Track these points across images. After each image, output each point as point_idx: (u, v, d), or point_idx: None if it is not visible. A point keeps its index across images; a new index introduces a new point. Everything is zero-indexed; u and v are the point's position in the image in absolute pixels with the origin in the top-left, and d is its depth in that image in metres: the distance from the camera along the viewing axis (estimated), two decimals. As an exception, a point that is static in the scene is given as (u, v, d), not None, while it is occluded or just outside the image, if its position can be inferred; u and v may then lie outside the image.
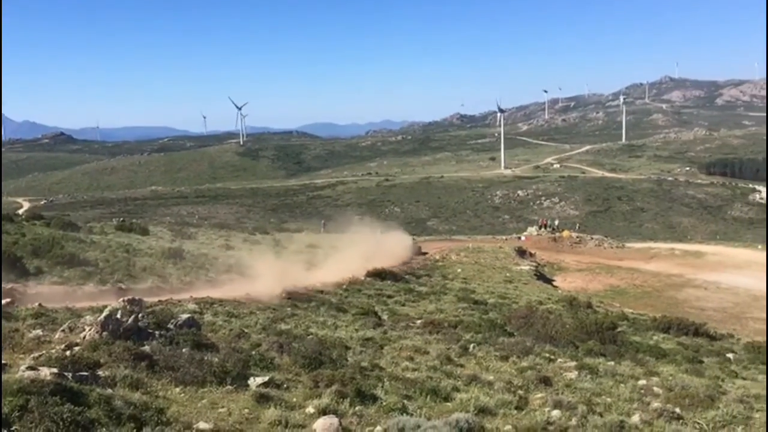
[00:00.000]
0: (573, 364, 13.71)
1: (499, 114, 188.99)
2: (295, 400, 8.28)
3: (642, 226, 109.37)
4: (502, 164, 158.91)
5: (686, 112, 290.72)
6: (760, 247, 69.84)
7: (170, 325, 10.86)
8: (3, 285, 16.86)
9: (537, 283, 45.12)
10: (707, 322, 28.17)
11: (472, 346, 15.04)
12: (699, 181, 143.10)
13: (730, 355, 20.02)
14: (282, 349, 10.98)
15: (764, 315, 41.01)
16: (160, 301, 17.48)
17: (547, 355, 14.68)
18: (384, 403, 8.60)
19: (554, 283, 49.23)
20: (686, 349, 19.76)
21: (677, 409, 10.37)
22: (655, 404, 10.66)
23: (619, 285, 50.27)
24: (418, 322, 19.36)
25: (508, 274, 44.67)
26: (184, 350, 9.26)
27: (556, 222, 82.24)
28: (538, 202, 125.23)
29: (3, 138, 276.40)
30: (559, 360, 14.27)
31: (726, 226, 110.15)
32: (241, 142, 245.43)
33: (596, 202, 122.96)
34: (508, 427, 8.38)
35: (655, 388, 12.14)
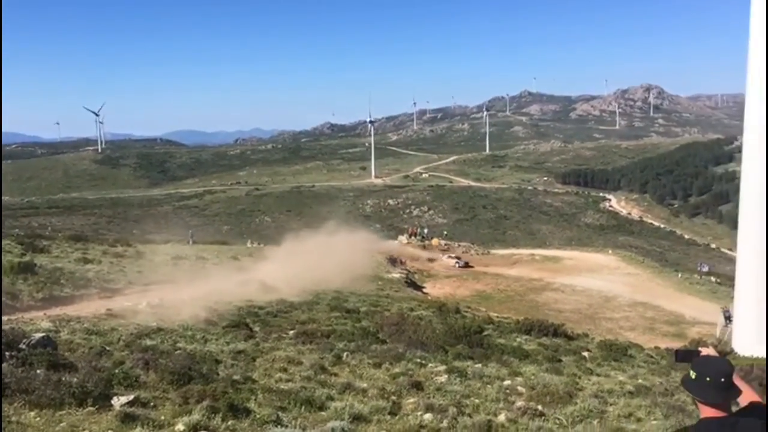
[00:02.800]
0: (443, 368, 14.09)
1: (369, 124, 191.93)
2: (163, 417, 7.93)
3: (505, 233, 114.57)
4: (373, 174, 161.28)
5: (543, 124, 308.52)
6: (610, 251, 75.15)
7: (22, 345, 10.08)
8: None
9: (408, 290, 46.08)
10: (565, 323, 29.88)
11: (345, 354, 15.08)
12: (556, 190, 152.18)
13: (585, 354, 21.36)
14: (148, 365, 10.48)
15: (615, 315, 44.26)
16: (9, 320, 16.19)
17: (419, 360, 14.99)
18: (258, 416, 8.44)
19: (424, 290, 50.51)
20: (546, 349, 20.84)
21: (539, 407, 10.92)
22: (519, 403, 11.16)
23: (485, 290, 52.40)
24: (291, 332, 19.17)
25: (380, 282, 45.28)
26: (38, 371, 8.62)
27: (425, 230, 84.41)
28: (407, 210, 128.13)
29: None
30: (430, 365, 14.62)
31: (580, 232, 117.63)
32: (100, 150, 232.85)
33: (463, 211, 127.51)
34: (383, 432, 8.49)
35: (519, 388, 12.71)
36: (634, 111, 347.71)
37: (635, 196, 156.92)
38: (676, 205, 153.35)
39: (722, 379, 3.31)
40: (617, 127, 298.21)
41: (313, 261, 41.75)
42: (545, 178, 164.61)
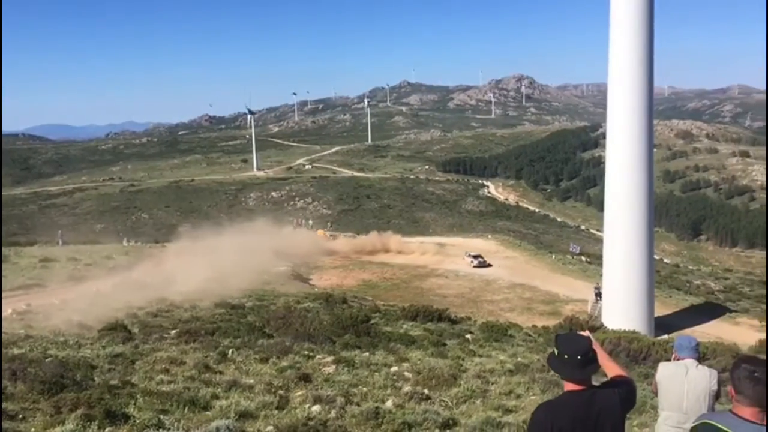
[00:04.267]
0: (331, 358, 14.08)
1: (249, 115, 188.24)
2: (33, 430, 7.43)
3: (390, 222, 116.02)
4: (255, 166, 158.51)
5: (423, 114, 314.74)
6: (489, 236, 77.83)
7: None
8: None
9: (294, 283, 45.77)
10: (449, 308, 30.73)
11: (231, 351, 14.75)
12: (437, 178, 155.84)
13: (468, 336, 22.05)
14: (15, 376, 9.79)
15: (496, 297, 45.99)
16: None
17: (306, 352, 14.91)
18: (137, 421, 8.08)
19: (311, 282, 50.33)
20: (432, 334, 21.33)
21: (426, 390, 11.15)
22: (407, 388, 11.35)
23: (371, 279, 52.91)
24: (173, 332, 18.53)
25: (266, 276, 44.66)
26: None
27: (311, 222, 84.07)
28: (292, 202, 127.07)
29: None
30: (318, 356, 14.57)
31: (461, 219, 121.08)
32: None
33: (347, 201, 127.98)
34: (270, 428, 8.36)
35: (406, 373, 12.91)
36: (508, 100, 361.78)
37: (511, 182, 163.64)
38: (548, 190, 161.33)
39: (579, 357, 3.61)
40: (493, 116, 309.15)
41: (218, 259, 40.86)
42: (426, 167, 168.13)
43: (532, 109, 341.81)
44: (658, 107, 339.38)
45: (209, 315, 23.81)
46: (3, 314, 19.94)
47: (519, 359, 16.58)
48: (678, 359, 5.51)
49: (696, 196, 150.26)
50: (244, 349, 15.17)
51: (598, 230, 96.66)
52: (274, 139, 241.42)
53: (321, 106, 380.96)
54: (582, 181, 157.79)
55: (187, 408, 9.07)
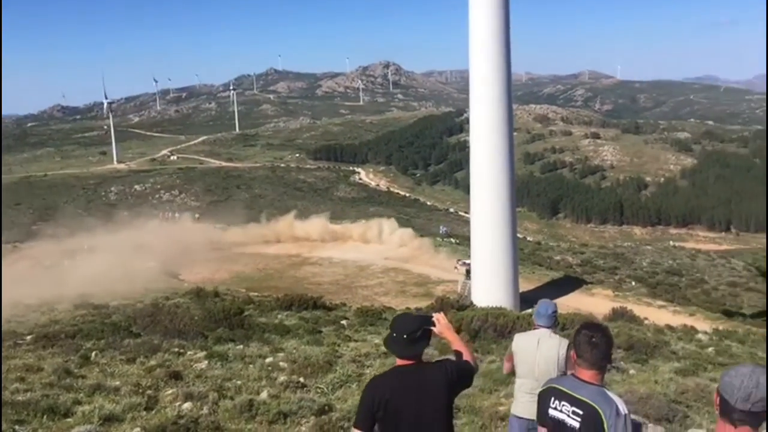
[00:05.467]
0: (203, 354, 13.70)
1: (106, 105, 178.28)
2: None
3: (261, 212, 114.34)
4: (115, 159, 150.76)
5: (292, 102, 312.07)
6: (363, 221, 78.43)
7: None
8: None
9: (163, 279, 44.12)
10: (324, 295, 30.80)
11: (94, 353, 13.98)
12: (308, 166, 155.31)
13: (344, 322, 22.21)
14: None
15: (370, 282, 46.60)
16: None
17: (177, 349, 14.41)
18: (-12, 436, 7.48)
19: (180, 277, 48.68)
20: (307, 322, 21.29)
21: (301, 379, 11.11)
22: (282, 378, 11.25)
23: (244, 271, 51.96)
24: (29, 337, 17.31)
25: (133, 274, 42.71)
26: None
27: (177, 215, 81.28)
28: (157, 195, 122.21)
29: None
30: (189, 352, 14.13)
31: (334, 206, 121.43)
32: None
33: (216, 192, 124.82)
34: (137, 429, 8.01)
35: (282, 363, 12.80)
36: (376, 87, 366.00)
37: (382, 168, 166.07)
38: (418, 175, 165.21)
39: (405, 336, 3.88)
40: (361, 102, 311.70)
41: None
42: (297, 155, 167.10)
43: (400, 96, 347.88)
44: (516, 93, 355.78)
45: (69, 317, 22.45)
46: None
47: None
48: (535, 327, 5.81)
49: (554, 176, 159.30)
50: (109, 350, 14.43)
51: (466, 212, 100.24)
52: (136, 130, 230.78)
53: (184, 94, 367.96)
54: (449, 165, 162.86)
55: (45, 416, 8.51)
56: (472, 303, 32.75)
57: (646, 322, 25.86)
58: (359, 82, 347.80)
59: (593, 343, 3.74)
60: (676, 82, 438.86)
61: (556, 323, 5.88)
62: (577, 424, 3.61)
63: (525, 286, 42.63)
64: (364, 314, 23.60)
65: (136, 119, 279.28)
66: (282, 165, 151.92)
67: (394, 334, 3.94)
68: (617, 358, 14.58)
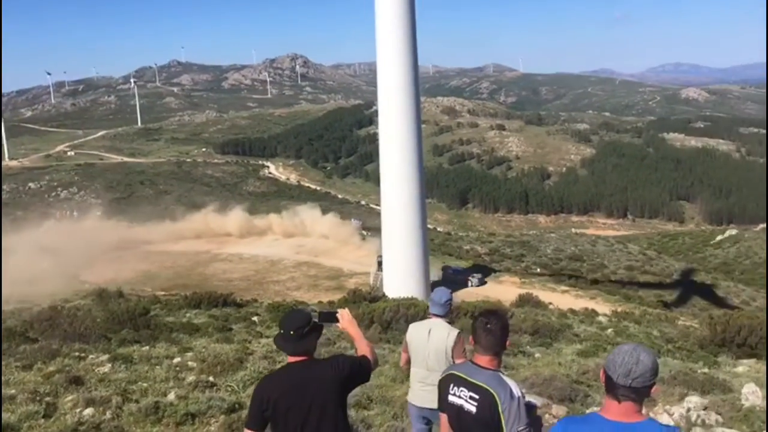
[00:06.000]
0: (106, 357, 13.14)
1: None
2: None
3: (167, 209, 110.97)
4: (6, 155, 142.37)
5: (197, 95, 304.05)
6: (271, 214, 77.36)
7: None
8: None
9: (62, 280, 42.13)
10: (234, 292, 30.20)
11: (-14, 362, 13.15)
12: (215, 161, 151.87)
13: (255, 318, 21.87)
14: None
15: (282, 277, 46.16)
16: None
17: (77, 353, 13.75)
18: None
19: (81, 278, 46.62)
20: (217, 320, 20.83)
21: (211, 378, 10.85)
22: (190, 378, 10.95)
23: (151, 269, 50.33)
24: None
25: (28, 276, 40.51)
26: None
27: (75, 213, 77.80)
28: (54, 193, 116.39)
29: None
30: (91, 356, 13.52)
31: (243, 201, 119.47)
32: None
33: (119, 189, 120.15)
34: (34, 440, 7.60)
35: (190, 363, 12.46)
36: (284, 80, 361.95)
37: (292, 162, 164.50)
38: (328, 168, 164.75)
39: (291, 332, 3.88)
40: (269, 95, 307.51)
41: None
42: (204, 150, 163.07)
43: (308, 89, 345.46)
44: (424, 85, 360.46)
45: (-42, 325, 21.04)
46: None
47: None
48: (430, 316, 5.87)
49: (462, 167, 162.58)
50: (3, 357, 13.62)
51: (377, 205, 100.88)
52: (28, 125, 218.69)
53: (81, 87, 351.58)
54: (360, 157, 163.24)
55: (-69, 433, 7.94)
56: (384, 294, 33.00)
57: (550, 307, 26.84)
58: (266, 74, 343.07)
59: (488, 329, 3.86)
60: (575, 75, 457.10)
61: (450, 312, 5.93)
62: (474, 409, 3.73)
63: (435, 276, 43.36)
64: (276, 309, 23.31)
65: (29, 114, 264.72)
66: (188, 160, 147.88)
67: (282, 331, 3.93)
68: (523, 343, 15.06)
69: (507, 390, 3.67)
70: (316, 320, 4.11)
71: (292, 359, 3.94)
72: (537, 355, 13.58)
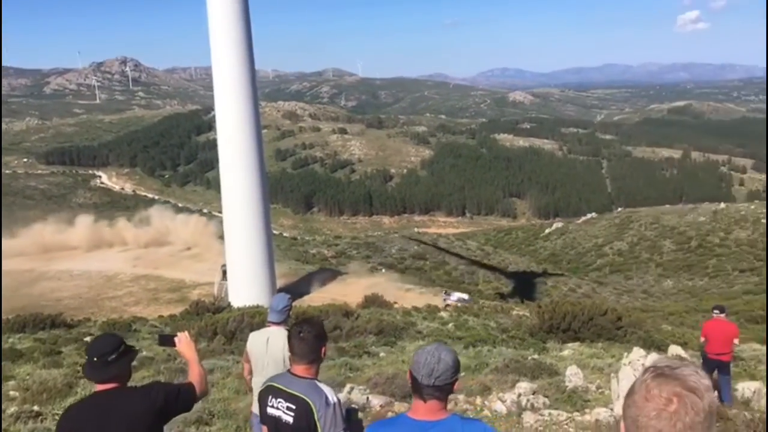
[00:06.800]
0: None
1: None
2: None
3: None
4: None
5: (15, 101, 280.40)
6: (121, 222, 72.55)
7: None
8: None
9: None
10: (64, 312, 28.12)
11: None
12: (39, 171, 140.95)
13: (88, 339, 20.46)
14: None
15: (118, 293, 43.59)
16: None
17: None
18: None
19: None
20: (44, 343, 19.26)
21: (36, 407, 10.00)
22: (12, 409, 10.02)
23: (-35, 293, 45.63)
24: None
25: None
26: None
27: None
28: None
29: None
30: None
31: (73, 214, 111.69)
32: None
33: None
34: None
35: (12, 392, 11.43)
36: (114, 84, 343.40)
37: (126, 171, 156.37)
38: (167, 176, 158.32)
39: (96, 359, 3.62)
40: (98, 101, 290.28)
41: None
42: (25, 160, 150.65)
43: (141, 93, 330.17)
44: (264, 90, 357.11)
45: None
46: None
47: (144, 353, 15.97)
48: (269, 324, 5.78)
49: (306, 171, 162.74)
50: None
51: (220, 212, 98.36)
52: None
53: None
54: (200, 164, 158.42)
55: None
56: (229, 304, 32.20)
57: (396, 305, 27.49)
58: (94, 78, 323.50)
59: (301, 337, 3.85)
60: (412, 80, 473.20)
61: (289, 318, 5.86)
62: (291, 419, 3.72)
63: (282, 282, 42.95)
64: (112, 327, 22.00)
65: None
66: (7, 171, 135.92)
67: (87, 357, 3.64)
68: (368, 343, 15.29)
69: (322, 397, 3.69)
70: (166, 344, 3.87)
71: (100, 387, 3.62)
72: (382, 354, 13.82)
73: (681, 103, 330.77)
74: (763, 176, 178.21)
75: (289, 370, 3.95)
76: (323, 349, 3.96)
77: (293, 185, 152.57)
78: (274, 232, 63.62)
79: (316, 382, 3.83)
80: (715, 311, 10.11)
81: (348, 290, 41.29)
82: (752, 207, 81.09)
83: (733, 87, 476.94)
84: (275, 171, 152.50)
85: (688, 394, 1.62)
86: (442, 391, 2.91)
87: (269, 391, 3.87)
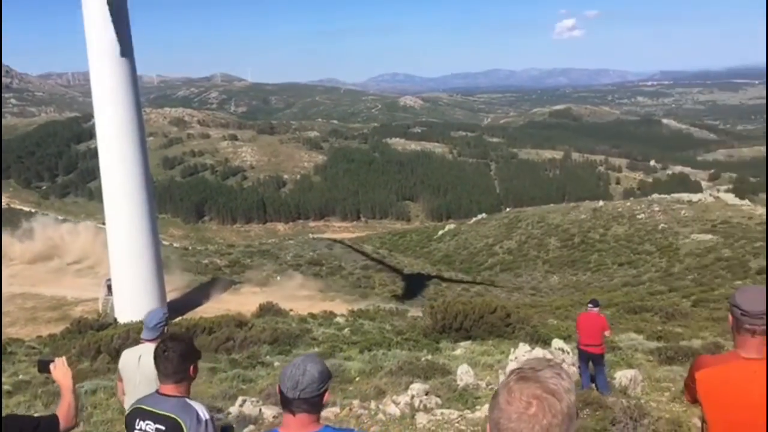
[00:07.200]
0: None
1: None
2: None
3: None
4: None
5: None
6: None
7: None
8: None
9: None
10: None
11: None
12: None
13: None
14: None
15: None
16: None
17: None
18: None
19: None
20: None
21: None
22: None
23: None
24: None
25: None
26: None
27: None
28: None
29: None
30: None
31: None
32: None
33: None
34: None
35: None
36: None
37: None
38: (44, 187, 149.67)
39: None
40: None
41: None
42: None
43: (13, 101, 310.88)
44: (149, 96, 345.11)
45: None
46: None
47: (20, 377, 14.97)
48: (142, 341, 5.51)
49: (196, 179, 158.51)
50: None
51: (104, 224, 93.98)
52: None
53: None
54: (80, 174, 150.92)
55: None
56: (115, 320, 30.77)
57: (291, 313, 27.20)
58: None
59: (165, 356, 3.70)
60: (302, 85, 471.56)
61: (164, 334, 5.54)
62: None
63: (174, 295, 41.52)
64: None
65: None
66: None
67: None
68: (262, 353, 15.00)
69: (193, 415, 3.57)
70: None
71: None
72: (276, 364, 13.59)
73: (561, 107, 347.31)
74: (637, 175, 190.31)
75: (157, 390, 3.77)
76: (191, 367, 3.80)
77: (183, 194, 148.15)
78: (164, 242, 61.57)
79: (186, 399, 3.69)
80: (589, 305, 10.59)
81: (242, 300, 40.47)
82: (628, 204, 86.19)
83: (607, 91, 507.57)
84: (163, 180, 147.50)
85: (547, 397, 1.63)
86: (310, 404, 2.84)
87: (136, 414, 3.70)
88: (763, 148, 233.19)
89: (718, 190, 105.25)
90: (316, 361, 2.89)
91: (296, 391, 2.79)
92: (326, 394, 2.90)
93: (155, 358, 3.77)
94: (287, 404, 2.84)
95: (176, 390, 3.70)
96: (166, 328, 5.51)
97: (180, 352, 3.72)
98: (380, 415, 8.46)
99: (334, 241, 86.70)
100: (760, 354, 2.89)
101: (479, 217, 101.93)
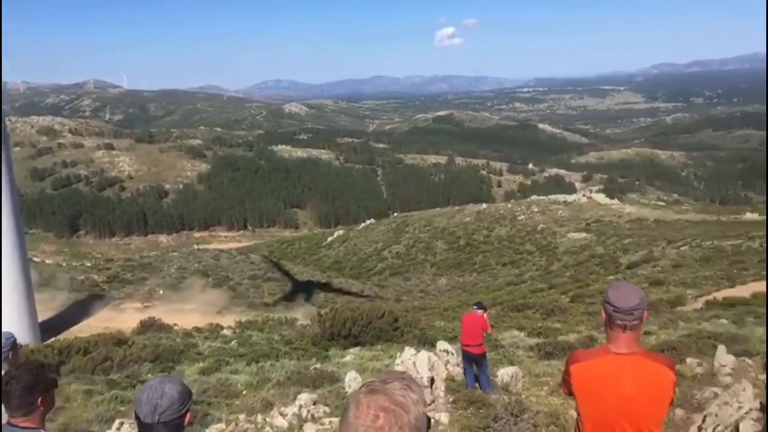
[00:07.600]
0: None
1: None
2: None
3: None
4: None
5: None
6: None
7: None
8: None
9: None
10: None
11: None
12: None
13: None
14: None
15: None
16: None
17: None
18: None
19: None
20: None
21: None
22: None
23: None
24: None
25: None
26: None
27: None
28: None
29: None
30: None
31: None
32: None
33: None
34: None
35: None
36: None
37: None
38: None
39: None
40: None
41: None
42: None
43: None
44: (14, 104, 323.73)
45: None
46: None
47: None
48: None
49: (68, 191, 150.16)
50: None
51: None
52: None
53: None
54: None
55: None
56: None
57: (175, 328, 26.22)
58: None
59: (8, 389, 3.35)
60: (183, 92, 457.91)
61: (9, 360, 4.96)
62: None
63: (46, 314, 39.05)
64: None
65: None
66: None
67: None
68: (143, 372, 14.31)
69: None
70: None
71: None
72: (157, 382, 12.98)
73: (443, 113, 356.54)
74: (516, 178, 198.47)
75: (8, 421, 3.44)
76: (40, 399, 3.47)
77: (54, 207, 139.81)
78: (34, 259, 57.91)
79: (41, 431, 3.41)
80: (474, 306, 10.83)
81: (123, 316, 38.64)
82: (509, 206, 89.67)
83: (487, 97, 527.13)
84: (32, 192, 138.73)
85: (394, 409, 1.65)
86: (170, 427, 2.65)
87: None
88: (630, 150, 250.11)
89: (591, 191, 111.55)
90: (175, 381, 2.70)
91: (155, 415, 2.59)
92: (187, 415, 2.72)
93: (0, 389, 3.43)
94: (146, 430, 2.64)
95: (27, 422, 3.39)
96: (10, 353, 4.94)
97: (24, 384, 3.37)
98: (267, 429, 8.23)
99: (221, 251, 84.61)
100: (629, 349, 3.01)
101: (367, 222, 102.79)
